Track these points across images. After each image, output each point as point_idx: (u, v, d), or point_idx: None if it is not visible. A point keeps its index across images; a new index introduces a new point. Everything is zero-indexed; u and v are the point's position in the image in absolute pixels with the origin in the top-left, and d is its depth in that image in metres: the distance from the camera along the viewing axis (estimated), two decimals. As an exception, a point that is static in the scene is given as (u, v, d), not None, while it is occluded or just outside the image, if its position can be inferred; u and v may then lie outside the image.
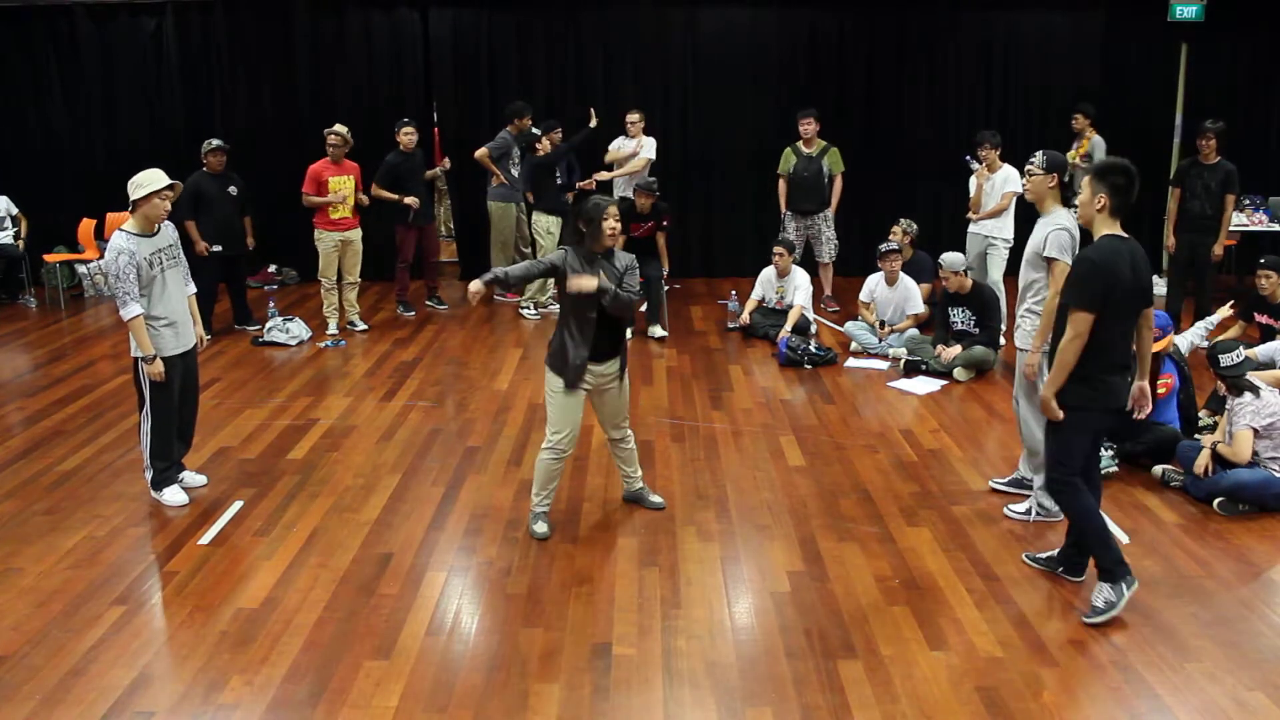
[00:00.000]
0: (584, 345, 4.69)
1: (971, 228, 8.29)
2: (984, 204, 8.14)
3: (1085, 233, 4.41)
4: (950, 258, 7.43)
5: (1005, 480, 5.47)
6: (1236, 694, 3.67)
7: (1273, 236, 9.87)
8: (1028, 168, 4.92)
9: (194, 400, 5.50)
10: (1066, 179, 5.43)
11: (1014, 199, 8.01)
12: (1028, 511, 5.06)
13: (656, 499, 5.26)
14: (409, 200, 8.93)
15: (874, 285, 8.25)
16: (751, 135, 10.47)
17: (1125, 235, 4.09)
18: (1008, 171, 8.05)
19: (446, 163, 9.70)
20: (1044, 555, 4.60)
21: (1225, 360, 5.23)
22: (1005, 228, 8.13)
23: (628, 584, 4.47)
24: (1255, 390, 5.16)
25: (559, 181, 9.13)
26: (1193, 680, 3.76)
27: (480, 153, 9.36)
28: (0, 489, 5.57)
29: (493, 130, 9.58)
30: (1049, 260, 4.77)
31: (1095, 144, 9.31)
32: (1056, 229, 4.76)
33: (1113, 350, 4.08)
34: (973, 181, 8.28)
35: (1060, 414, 4.12)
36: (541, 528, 4.92)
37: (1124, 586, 4.10)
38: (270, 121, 10.50)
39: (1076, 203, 4.28)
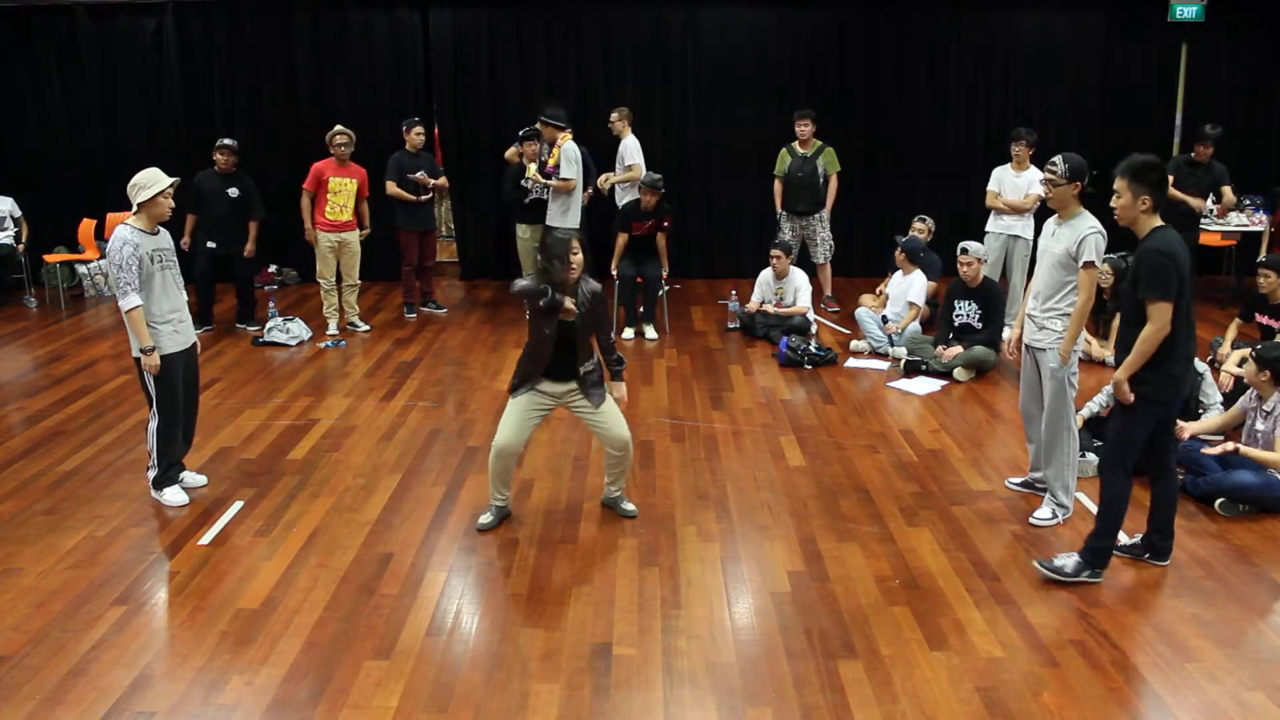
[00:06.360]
0: (539, 362, 4.83)
1: (992, 227, 8.29)
2: (1010, 197, 8.13)
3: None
4: (975, 245, 7.49)
5: (1019, 481, 5.50)
6: (1236, 694, 3.67)
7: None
8: (1048, 173, 4.82)
9: (194, 399, 5.51)
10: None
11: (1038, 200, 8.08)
12: (1052, 516, 5.04)
13: (630, 506, 5.20)
14: (434, 182, 8.85)
15: (894, 277, 8.36)
16: (751, 135, 10.45)
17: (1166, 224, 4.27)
18: (1035, 173, 8.04)
19: (444, 181, 9.33)
20: (1126, 542, 4.65)
21: None
22: (1029, 226, 8.19)
23: (628, 584, 4.47)
24: None
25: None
26: (1193, 680, 3.76)
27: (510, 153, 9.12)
28: (0, 489, 5.58)
29: (493, 131, 9.55)
30: (1086, 264, 4.71)
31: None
32: (1093, 232, 4.71)
33: (1178, 341, 4.19)
34: (995, 180, 8.24)
35: (1131, 396, 4.25)
36: (487, 519, 5.03)
37: (1089, 574, 4.42)
38: (270, 121, 10.49)
39: (1114, 205, 4.27)
